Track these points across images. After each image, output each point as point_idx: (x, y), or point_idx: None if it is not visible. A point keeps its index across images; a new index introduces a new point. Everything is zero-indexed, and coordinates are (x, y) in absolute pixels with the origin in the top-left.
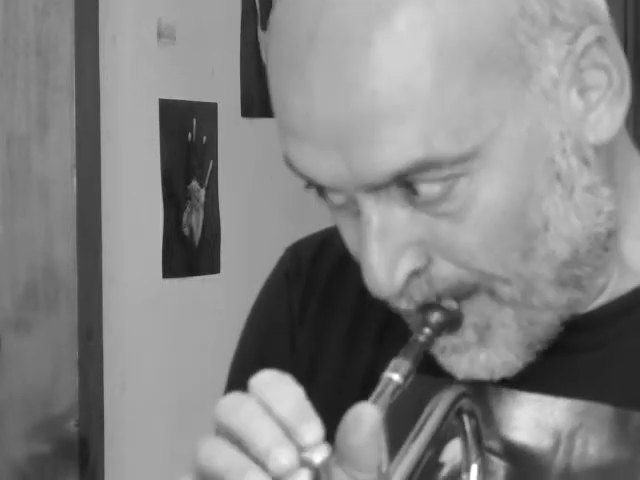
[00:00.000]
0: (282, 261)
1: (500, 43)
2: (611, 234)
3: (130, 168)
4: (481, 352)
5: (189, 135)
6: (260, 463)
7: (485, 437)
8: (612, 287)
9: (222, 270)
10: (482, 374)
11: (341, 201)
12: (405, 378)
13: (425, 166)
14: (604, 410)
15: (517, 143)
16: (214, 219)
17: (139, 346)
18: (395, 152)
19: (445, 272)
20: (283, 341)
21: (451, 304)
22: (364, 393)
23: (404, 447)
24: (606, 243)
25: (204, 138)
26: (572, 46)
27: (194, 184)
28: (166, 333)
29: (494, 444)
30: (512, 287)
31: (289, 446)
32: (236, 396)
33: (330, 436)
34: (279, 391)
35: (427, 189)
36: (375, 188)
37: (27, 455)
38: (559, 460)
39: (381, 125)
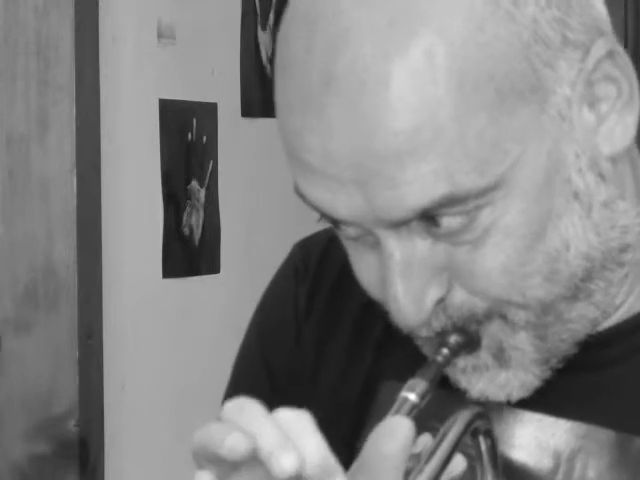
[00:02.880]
0: (291, 257)
1: (517, 69)
2: (625, 249)
3: (130, 168)
4: (501, 373)
5: (189, 135)
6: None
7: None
8: (626, 310)
9: (222, 270)
10: (500, 395)
11: (357, 234)
12: (421, 398)
13: (450, 202)
14: (605, 434)
15: (537, 168)
16: (214, 219)
17: (139, 346)
18: (418, 190)
19: (458, 300)
20: (289, 336)
21: (469, 324)
22: (363, 397)
23: (419, 466)
24: (620, 258)
25: (204, 138)
26: (583, 63)
27: (194, 184)
28: (166, 333)
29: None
30: (527, 312)
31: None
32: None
33: (326, 437)
34: (306, 445)
35: (449, 221)
36: (397, 225)
37: (27, 455)
38: None
39: (403, 164)
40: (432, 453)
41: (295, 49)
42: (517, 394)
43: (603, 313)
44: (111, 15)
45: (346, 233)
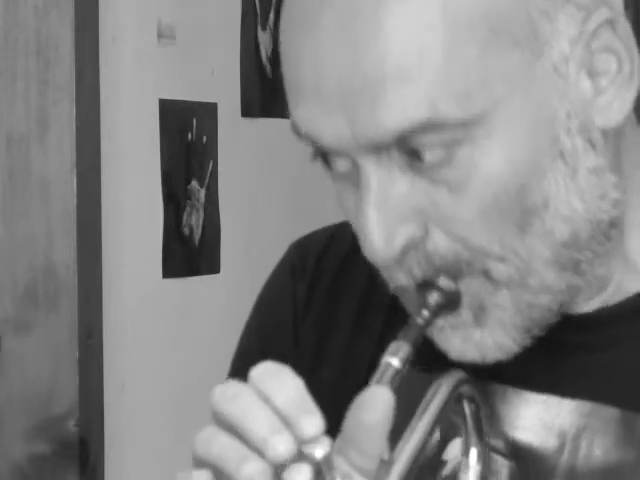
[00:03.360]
0: (287, 256)
1: (513, 15)
2: (615, 224)
3: (130, 168)
4: (476, 331)
5: (189, 135)
6: (258, 452)
7: (490, 436)
8: (616, 287)
9: (222, 270)
10: (475, 355)
11: (345, 168)
12: (404, 362)
13: (428, 127)
14: (610, 412)
15: (523, 116)
16: (214, 219)
17: (139, 346)
18: (400, 112)
19: (441, 246)
20: (286, 335)
21: (450, 285)
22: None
23: (405, 435)
24: (609, 232)
25: (204, 138)
26: (584, 26)
27: (194, 184)
28: (166, 333)
29: (498, 443)
30: (508, 266)
31: (287, 435)
32: (233, 384)
33: (330, 432)
34: (278, 382)
35: (430, 155)
36: (377, 149)
37: (27, 455)
38: (564, 461)
39: (388, 85)
40: (418, 419)
41: None
42: (493, 355)
43: (589, 286)
44: (111, 15)
45: (336, 168)
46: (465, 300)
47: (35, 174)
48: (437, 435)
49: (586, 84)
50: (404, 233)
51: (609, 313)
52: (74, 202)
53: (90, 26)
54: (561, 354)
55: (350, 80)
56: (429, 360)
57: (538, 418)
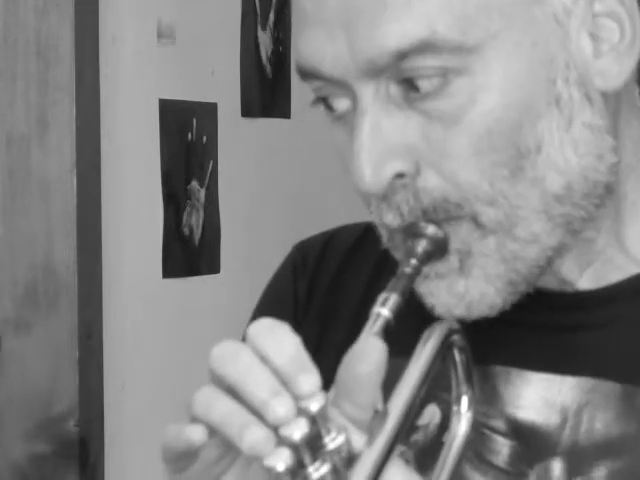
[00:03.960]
0: (289, 257)
1: None
2: (611, 190)
3: (130, 168)
4: (460, 280)
5: (189, 135)
6: (258, 414)
7: (490, 416)
8: (608, 263)
9: (222, 270)
10: (460, 308)
11: (345, 106)
12: (394, 312)
13: (426, 48)
14: (611, 386)
15: (519, 52)
16: (214, 219)
17: (139, 346)
18: (398, 31)
19: (431, 184)
20: None
21: (437, 232)
22: None
23: (398, 386)
24: (604, 197)
25: (204, 138)
26: None
27: (194, 184)
28: (166, 333)
29: (498, 423)
30: (496, 210)
31: (286, 396)
32: (231, 345)
33: None
34: (276, 340)
35: (425, 83)
36: (375, 73)
37: (27, 455)
38: (566, 436)
39: (388, 5)
40: (410, 367)
41: None
42: (478, 308)
43: (578, 248)
44: (111, 15)
45: (336, 107)
46: (452, 246)
47: (35, 174)
48: (437, 418)
49: (587, 44)
50: (393, 166)
51: (609, 292)
52: (74, 202)
53: (90, 26)
54: (561, 333)
55: (352, 1)
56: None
57: (540, 396)
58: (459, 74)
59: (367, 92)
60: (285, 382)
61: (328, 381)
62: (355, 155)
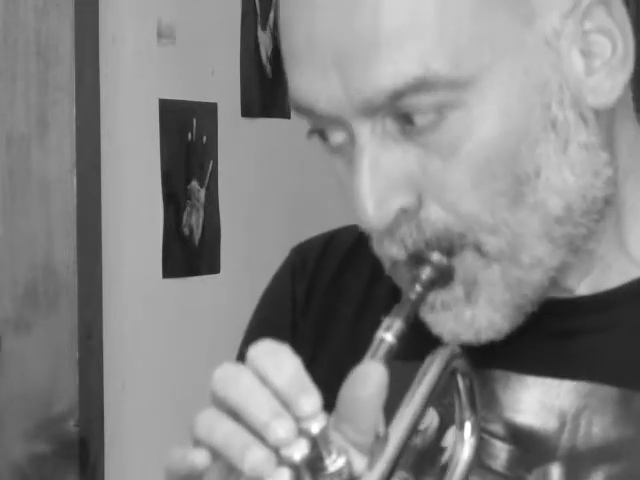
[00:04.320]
0: (288, 259)
1: None
2: (609, 202)
3: (130, 168)
4: (467, 309)
5: (189, 135)
6: (259, 436)
7: (488, 421)
8: (607, 269)
9: (222, 270)
10: (468, 334)
11: (341, 139)
12: (398, 337)
13: (421, 86)
14: (608, 391)
15: (513, 81)
16: (214, 219)
17: (139, 346)
18: (393, 70)
19: (433, 216)
20: (286, 335)
21: (442, 259)
22: None
23: (400, 410)
24: (604, 210)
25: (204, 138)
26: (578, 1)
27: (194, 184)
28: (166, 333)
29: (497, 428)
30: (499, 239)
31: (287, 418)
32: (232, 367)
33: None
34: (276, 361)
35: (421, 118)
36: (371, 112)
37: (27, 455)
38: (564, 440)
39: (382, 44)
40: (412, 393)
41: None
42: (485, 333)
43: (581, 262)
44: (111, 15)
45: (333, 143)
46: (458, 275)
47: (35, 174)
48: (435, 423)
49: (578, 62)
50: (397, 200)
51: (607, 297)
52: (74, 202)
53: (90, 26)
54: (559, 338)
55: (343, 40)
56: (421, 353)
57: (538, 401)
58: (455, 107)
59: (364, 130)
60: (286, 403)
61: (327, 384)
62: (357, 193)
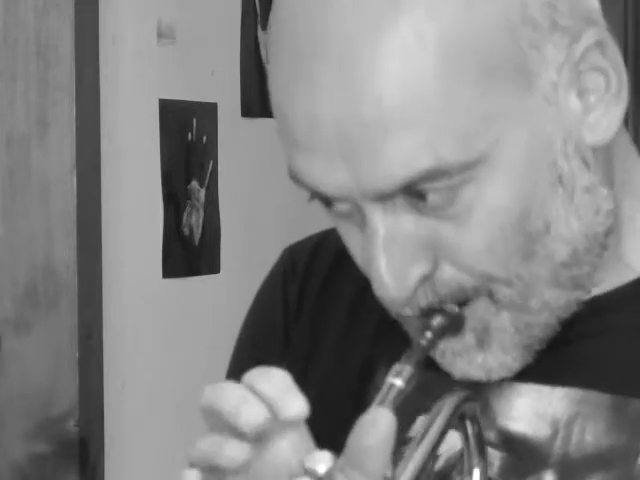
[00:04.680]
0: (279, 261)
1: (504, 49)
2: (609, 232)
3: (130, 168)
4: (479, 355)
5: (189, 135)
6: (237, 433)
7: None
8: (608, 281)
9: (222, 270)
10: (479, 374)
11: (346, 209)
12: (407, 383)
13: (434, 175)
14: (601, 398)
15: (521, 148)
16: (214, 219)
17: (139, 346)
18: (403, 162)
19: (446, 276)
20: (278, 338)
21: (452, 307)
22: (358, 391)
23: (408, 453)
24: (605, 241)
25: (204, 138)
26: (571, 49)
27: (194, 184)
28: (166, 333)
29: (490, 435)
30: (512, 289)
31: (257, 405)
32: (222, 383)
33: (322, 433)
34: (265, 375)
35: (434, 196)
36: (383, 197)
37: (27, 455)
38: (557, 448)
39: (389, 134)
40: (420, 439)
41: (286, 21)
42: (497, 372)
43: (588, 293)
44: (111, 15)
45: (337, 210)
46: (469, 323)
47: (35, 174)
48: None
49: (575, 104)
50: (416, 271)
51: (600, 302)
52: (74, 202)
53: (90, 26)
54: (551, 345)
55: (349, 130)
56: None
57: (531, 408)
58: (466, 182)
59: (376, 210)
60: (272, 406)
61: (322, 387)
62: (375, 271)
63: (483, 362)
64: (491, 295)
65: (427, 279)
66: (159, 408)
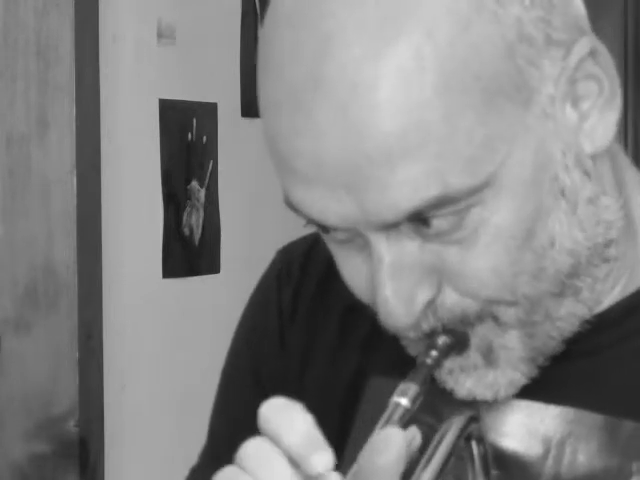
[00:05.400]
0: (274, 263)
1: (502, 69)
2: (609, 244)
3: (130, 168)
4: (489, 373)
5: (189, 135)
6: None
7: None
8: (611, 298)
9: (222, 270)
10: (487, 394)
11: (345, 236)
12: (413, 402)
13: (441, 203)
14: (594, 418)
15: (525, 167)
16: (214, 219)
17: (139, 346)
18: (410, 192)
19: (449, 301)
20: (274, 341)
21: (458, 326)
22: (350, 394)
23: (415, 474)
24: (605, 253)
25: (204, 138)
26: (565, 61)
27: (194, 184)
28: (166, 333)
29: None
30: (517, 309)
31: (283, 466)
32: (253, 441)
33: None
34: (289, 421)
35: (439, 222)
36: (388, 227)
37: (27, 455)
38: (548, 468)
39: (393, 165)
40: (428, 461)
41: (281, 50)
42: (505, 392)
43: (590, 309)
44: (111, 15)
45: (334, 237)
46: (473, 342)
47: (35, 174)
48: (417, 442)
49: (571, 114)
50: (422, 296)
51: (598, 319)
52: (74, 202)
53: (90, 26)
54: (546, 362)
55: (353, 164)
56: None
57: (523, 424)
58: (471, 207)
59: (380, 239)
60: (298, 462)
61: (320, 390)
62: (382, 299)
63: (493, 380)
64: (495, 318)
65: (431, 304)
66: (159, 408)
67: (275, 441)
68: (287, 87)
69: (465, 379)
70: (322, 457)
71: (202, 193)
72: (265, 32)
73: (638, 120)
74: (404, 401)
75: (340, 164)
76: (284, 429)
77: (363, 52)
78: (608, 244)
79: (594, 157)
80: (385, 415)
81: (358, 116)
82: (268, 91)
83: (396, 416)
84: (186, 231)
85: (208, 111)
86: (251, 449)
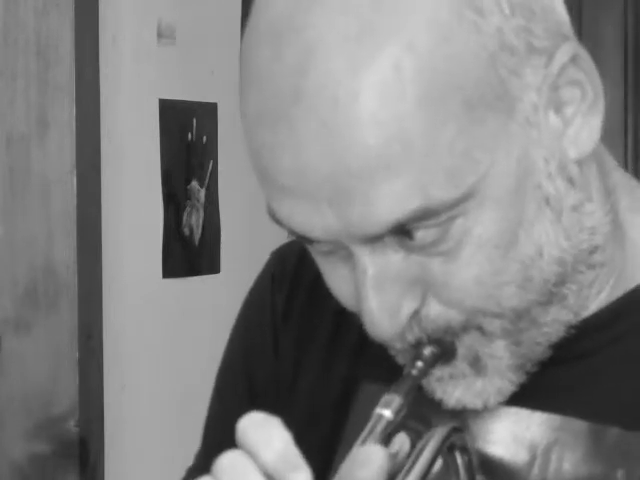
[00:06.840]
0: (267, 265)
1: (484, 79)
2: (594, 250)
3: (130, 168)
4: (477, 381)
5: (189, 135)
6: None
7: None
8: (597, 303)
9: (222, 270)
10: (477, 402)
11: (329, 248)
12: (396, 414)
13: (424, 215)
14: (579, 425)
15: (508, 176)
16: (214, 219)
17: (139, 346)
18: (392, 204)
19: (433, 313)
20: (267, 345)
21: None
22: (341, 400)
23: None
24: (590, 260)
25: (204, 138)
26: (548, 69)
27: (194, 184)
28: (166, 333)
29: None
30: (503, 320)
31: None
32: (229, 454)
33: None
34: (266, 437)
35: (423, 234)
36: (371, 240)
37: (27, 455)
38: (534, 475)
39: (376, 179)
40: (407, 472)
41: (262, 63)
42: (494, 400)
43: (575, 315)
44: (111, 15)
45: (318, 248)
46: (460, 351)
47: (35, 174)
48: (406, 448)
49: (554, 121)
50: (406, 307)
51: (578, 327)
52: (74, 202)
53: (90, 26)
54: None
55: (335, 176)
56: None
57: (509, 431)
58: (454, 218)
59: (364, 252)
60: None
61: (312, 395)
62: (366, 310)
63: (482, 388)
64: (480, 329)
65: (415, 315)
66: (159, 408)
67: (252, 456)
68: (268, 100)
69: (454, 388)
70: (299, 476)
71: (202, 193)
72: (246, 44)
73: (638, 120)
74: (387, 413)
75: (322, 178)
76: (262, 445)
77: (344, 65)
78: (593, 250)
79: (580, 163)
80: (368, 427)
81: (339, 130)
82: (250, 104)
83: (379, 428)
84: (186, 231)
85: (208, 111)
86: (227, 462)
